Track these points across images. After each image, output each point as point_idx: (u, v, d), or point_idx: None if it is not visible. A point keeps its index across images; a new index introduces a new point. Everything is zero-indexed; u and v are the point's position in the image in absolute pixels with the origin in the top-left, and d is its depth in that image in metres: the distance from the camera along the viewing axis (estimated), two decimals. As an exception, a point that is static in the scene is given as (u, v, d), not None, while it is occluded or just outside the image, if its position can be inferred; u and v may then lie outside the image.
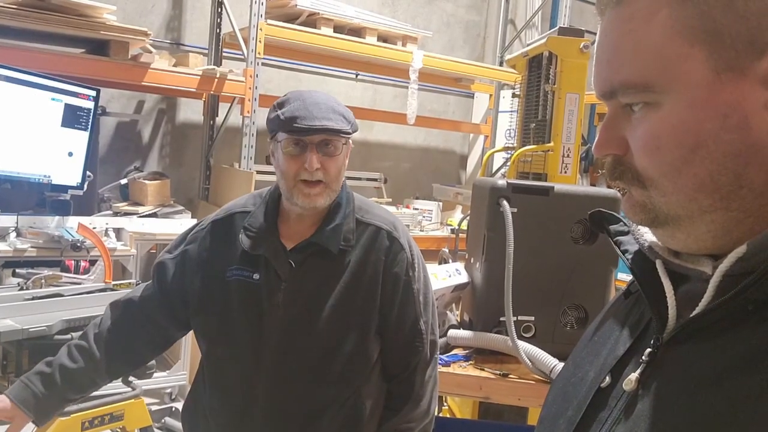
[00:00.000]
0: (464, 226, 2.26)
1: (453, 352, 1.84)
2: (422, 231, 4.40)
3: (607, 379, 0.63)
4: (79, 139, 2.87)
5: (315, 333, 1.36)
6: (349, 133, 1.38)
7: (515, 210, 1.71)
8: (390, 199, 4.66)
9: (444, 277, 1.85)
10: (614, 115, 0.61)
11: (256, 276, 1.38)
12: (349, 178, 5.22)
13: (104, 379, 1.51)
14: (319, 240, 1.38)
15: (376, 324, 1.40)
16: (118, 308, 1.52)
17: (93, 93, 2.86)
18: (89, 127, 2.86)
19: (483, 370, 1.72)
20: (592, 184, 5.59)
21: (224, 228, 1.46)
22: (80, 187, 2.93)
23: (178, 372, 3.37)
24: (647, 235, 0.66)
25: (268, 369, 1.36)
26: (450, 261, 2.29)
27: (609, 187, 0.62)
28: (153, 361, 1.93)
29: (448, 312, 2.01)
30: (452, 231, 4.00)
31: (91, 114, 2.85)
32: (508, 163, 3.04)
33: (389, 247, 1.42)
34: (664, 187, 0.57)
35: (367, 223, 1.44)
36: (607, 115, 0.62)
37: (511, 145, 3.23)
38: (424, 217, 4.56)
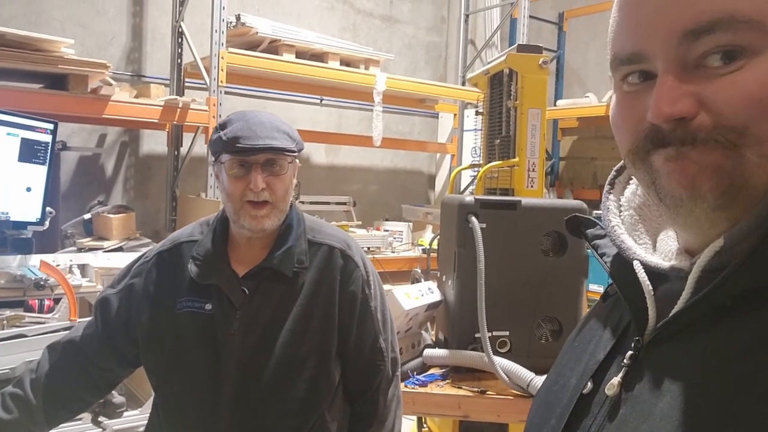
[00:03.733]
0: (435, 245, 2.26)
1: (429, 371, 1.82)
2: (393, 252, 4.39)
3: (589, 384, 0.61)
4: (38, 173, 2.80)
5: (275, 360, 1.32)
6: (295, 152, 1.36)
7: (484, 225, 1.72)
8: (360, 222, 4.64)
9: (417, 296, 1.85)
10: (678, 70, 0.52)
11: (208, 306, 1.33)
12: (318, 202, 5.14)
13: (43, 429, 1.41)
14: (272, 264, 1.35)
15: (335, 345, 1.38)
16: (56, 352, 1.43)
17: (50, 126, 2.80)
18: (47, 161, 2.80)
19: (461, 388, 1.71)
20: (559, 198, 5.67)
21: (171, 259, 1.41)
22: (40, 222, 2.85)
23: (149, 409, 3.27)
24: (624, 236, 0.64)
25: (228, 403, 1.30)
26: (422, 280, 2.28)
27: (643, 160, 0.55)
28: (123, 399, 1.86)
29: (423, 332, 2.00)
30: (424, 251, 4.00)
31: (49, 148, 2.79)
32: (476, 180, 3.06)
33: (344, 265, 1.40)
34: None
35: (320, 243, 1.42)
36: (667, 70, 0.52)
37: (477, 163, 3.26)
38: (394, 238, 4.55)
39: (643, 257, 0.61)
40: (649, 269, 0.61)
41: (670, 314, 0.55)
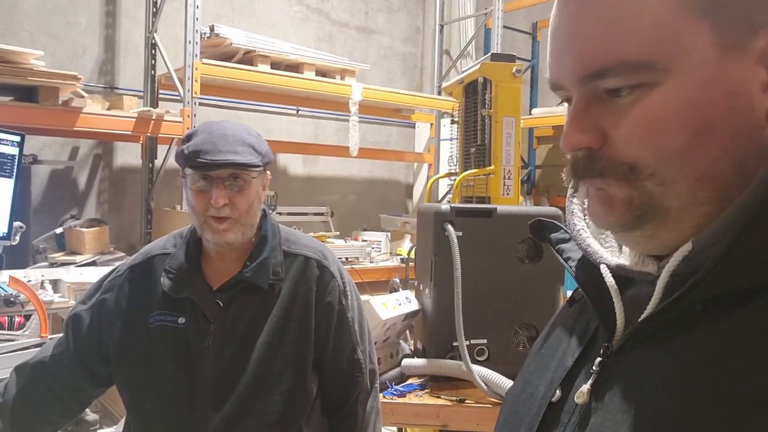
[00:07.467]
0: (413, 254, 2.26)
1: (408, 381, 1.81)
2: (372, 262, 4.38)
3: (558, 392, 0.60)
4: (4, 187, 2.74)
5: (250, 374, 1.29)
6: (260, 166, 1.33)
7: (460, 234, 1.72)
8: (338, 233, 4.63)
9: (394, 306, 1.84)
10: (588, 102, 0.54)
11: (181, 320, 1.31)
12: (295, 213, 5.09)
13: None
14: (247, 276, 1.33)
15: (312, 357, 1.36)
16: (24, 374, 1.38)
17: (17, 138, 2.74)
18: (14, 174, 2.74)
19: (439, 397, 1.70)
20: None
21: (143, 272, 1.38)
22: (7, 237, 2.78)
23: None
24: (589, 239, 0.63)
25: (203, 418, 1.28)
26: (401, 290, 2.27)
27: (574, 188, 0.59)
28: (96, 417, 1.83)
29: (401, 341, 1.99)
30: (402, 260, 3.99)
31: (16, 160, 2.73)
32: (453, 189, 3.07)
33: (320, 276, 1.39)
34: (664, 176, 0.51)
35: (296, 253, 1.40)
36: (577, 103, 0.55)
37: (453, 171, 3.27)
38: (373, 248, 4.54)
39: (609, 261, 0.61)
40: (615, 273, 0.60)
41: (640, 319, 0.54)
